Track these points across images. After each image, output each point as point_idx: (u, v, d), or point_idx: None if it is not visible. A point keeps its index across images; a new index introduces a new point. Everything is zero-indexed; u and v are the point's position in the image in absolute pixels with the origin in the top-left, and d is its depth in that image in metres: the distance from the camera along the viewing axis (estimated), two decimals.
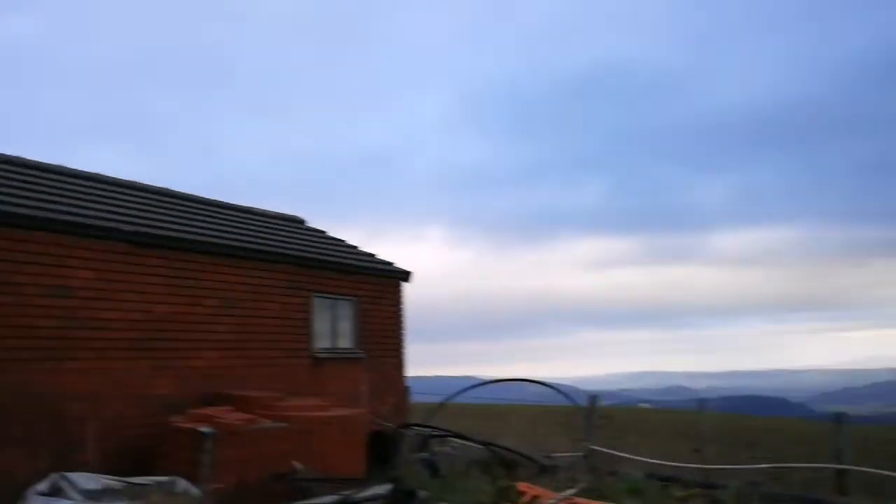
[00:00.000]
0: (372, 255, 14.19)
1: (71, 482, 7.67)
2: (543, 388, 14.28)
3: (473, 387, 13.80)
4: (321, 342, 12.19)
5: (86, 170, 11.66)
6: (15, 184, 9.46)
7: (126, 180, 12.17)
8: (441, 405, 13.64)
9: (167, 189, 12.75)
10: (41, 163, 11.00)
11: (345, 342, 12.68)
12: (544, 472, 10.84)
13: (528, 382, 14.40)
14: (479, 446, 11.56)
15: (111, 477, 7.94)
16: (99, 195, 10.70)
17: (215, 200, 13.51)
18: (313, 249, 12.78)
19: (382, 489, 7.95)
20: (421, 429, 12.15)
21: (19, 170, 10.30)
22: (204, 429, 8.36)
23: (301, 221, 15.02)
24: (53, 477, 7.62)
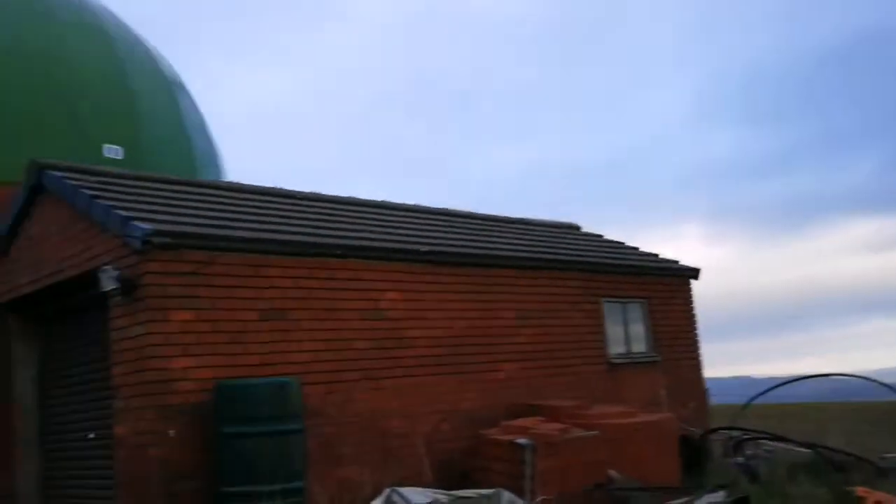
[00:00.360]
0: (655, 255, 13.74)
1: (402, 496, 7.94)
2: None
3: (782, 384, 12.87)
4: (615, 347, 11.90)
5: (371, 199, 12.26)
6: (322, 217, 10.12)
7: (407, 204, 12.65)
8: (745, 406, 12.85)
9: (444, 209, 13.10)
10: (333, 196, 11.70)
11: (638, 346, 12.31)
12: (882, 475, 9.77)
13: (843, 377, 13.20)
14: (799, 448, 10.68)
15: (437, 490, 8.15)
16: (388, 220, 11.18)
17: (492, 215, 13.71)
18: (598, 254, 12.57)
19: (715, 497, 7.49)
20: (730, 431, 11.45)
21: (319, 204, 11.02)
22: (521, 440, 8.36)
23: (577, 228, 14.88)
24: (386, 492, 7.93)
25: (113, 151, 15.32)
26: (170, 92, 18.01)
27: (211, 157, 19.15)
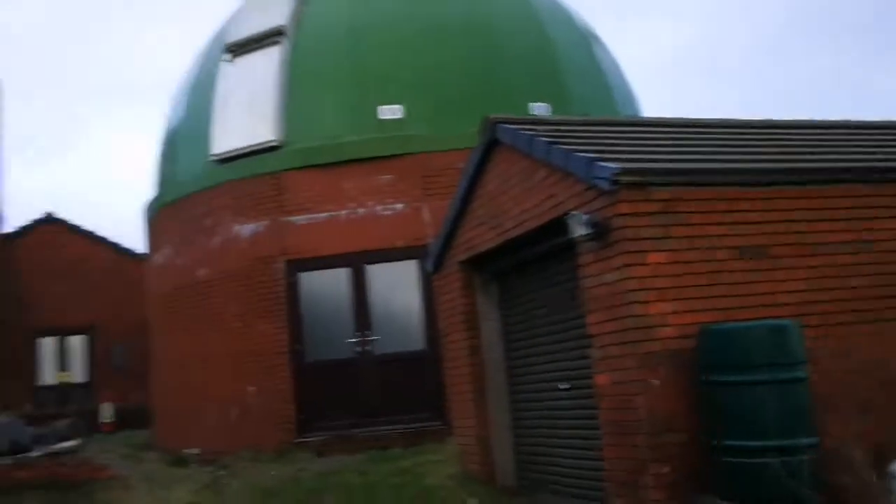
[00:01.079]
0: None
1: None
2: None
3: None
4: None
5: (829, 119, 10.76)
6: (782, 143, 9.02)
7: (867, 121, 10.89)
8: None
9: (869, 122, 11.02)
10: (788, 121, 10.45)
11: None
12: None
13: None
14: None
15: None
16: (855, 139, 9.67)
17: None
18: None
19: None
20: None
21: (775, 131, 9.88)
22: None
23: None
24: None
25: (540, 109, 15.56)
26: (586, 45, 17.91)
27: (630, 104, 18.74)
